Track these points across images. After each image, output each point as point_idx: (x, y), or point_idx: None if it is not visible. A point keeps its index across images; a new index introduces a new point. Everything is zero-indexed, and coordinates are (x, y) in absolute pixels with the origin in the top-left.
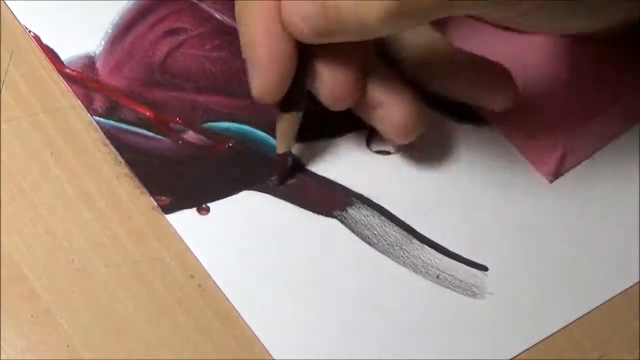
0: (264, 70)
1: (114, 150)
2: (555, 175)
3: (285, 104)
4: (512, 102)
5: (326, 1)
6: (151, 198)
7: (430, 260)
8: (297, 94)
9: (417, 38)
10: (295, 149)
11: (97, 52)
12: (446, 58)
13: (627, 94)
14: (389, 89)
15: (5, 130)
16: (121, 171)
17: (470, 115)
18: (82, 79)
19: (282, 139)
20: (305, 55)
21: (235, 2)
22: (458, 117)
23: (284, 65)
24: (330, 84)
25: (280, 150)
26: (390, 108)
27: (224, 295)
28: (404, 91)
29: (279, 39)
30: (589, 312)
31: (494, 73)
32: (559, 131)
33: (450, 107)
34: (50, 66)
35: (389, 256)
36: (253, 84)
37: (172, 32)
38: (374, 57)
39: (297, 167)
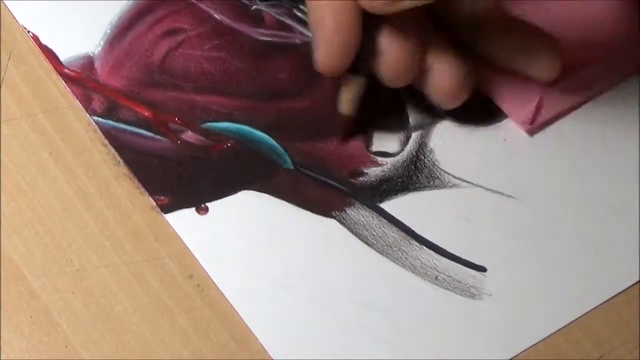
0: (329, 39)
1: (112, 150)
2: (532, 123)
3: (350, 68)
4: (558, 72)
5: None
6: (150, 198)
7: (429, 261)
8: (362, 61)
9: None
10: (295, 150)
11: (96, 52)
12: (495, 21)
13: (609, 52)
14: (438, 53)
15: (4, 130)
16: (120, 171)
17: (473, 117)
18: (81, 79)
19: (345, 102)
20: (368, 28)
21: None
22: (464, 120)
23: (349, 35)
24: (393, 56)
25: (345, 111)
26: (438, 72)
27: (223, 295)
28: (452, 55)
29: (346, 10)
30: (589, 312)
31: (540, 41)
32: (535, 83)
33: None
34: (49, 66)
35: (387, 257)
36: (318, 55)
37: (171, 32)
38: (423, 20)
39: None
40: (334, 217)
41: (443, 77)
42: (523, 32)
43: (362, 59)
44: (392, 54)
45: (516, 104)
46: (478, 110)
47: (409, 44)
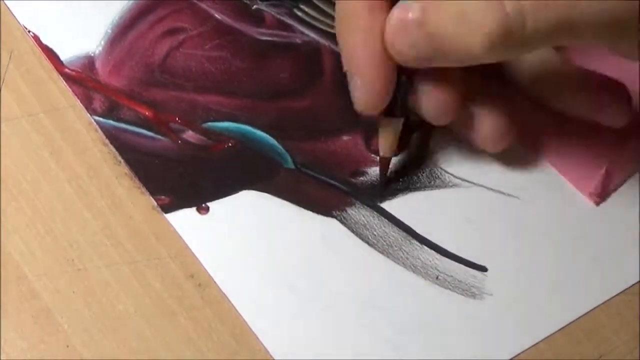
0: (367, 85)
1: (113, 150)
2: (601, 196)
3: (388, 110)
4: (630, 117)
5: (430, 30)
6: (151, 198)
7: (430, 261)
8: (400, 101)
9: (532, 55)
10: (296, 150)
11: (97, 52)
12: (562, 75)
13: None
14: (482, 101)
15: (5, 130)
16: (121, 171)
17: None
18: (82, 78)
19: (384, 144)
20: (407, 70)
21: (336, 20)
22: None
23: (386, 81)
24: (433, 101)
25: (383, 153)
26: (481, 120)
27: (224, 294)
28: (496, 104)
29: (381, 58)
30: (589, 312)
31: (610, 89)
32: (601, 149)
33: None
34: (49, 66)
35: (388, 257)
36: (357, 98)
37: (172, 31)
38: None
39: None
40: (335, 217)
41: (485, 125)
42: (588, 80)
43: (398, 99)
44: (431, 100)
45: (582, 175)
46: None
47: (450, 91)
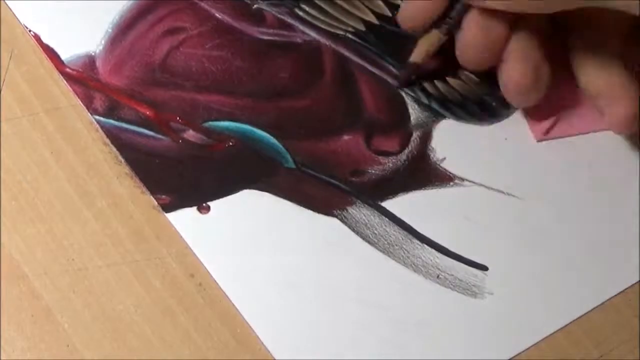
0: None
1: (114, 149)
2: (545, 134)
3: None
4: (630, 127)
5: None
6: (151, 197)
7: (431, 260)
8: (448, 15)
9: None
10: (297, 149)
11: (98, 51)
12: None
13: None
14: (517, 47)
15: (5, 129)
16: (121, 170)
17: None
18: (83, 78)
19: (419, 50)
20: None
21: None
22: (465, 119)
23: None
24: (470, 37)
25: (414, 59)
26: (511, 65)
27: (225, 294)
28: (530, 52)
29: None
30: (589, 311)
31: (626, 89)
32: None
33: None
34: (50, 65)
35: (389, 255)
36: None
37: (172, 31)
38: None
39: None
40: (336, 216)
41: (513, 71)
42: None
43: (447, 20)
44: (470, 34)
45: (537, 115)
46: (479, 109)
47: (490, 31)
